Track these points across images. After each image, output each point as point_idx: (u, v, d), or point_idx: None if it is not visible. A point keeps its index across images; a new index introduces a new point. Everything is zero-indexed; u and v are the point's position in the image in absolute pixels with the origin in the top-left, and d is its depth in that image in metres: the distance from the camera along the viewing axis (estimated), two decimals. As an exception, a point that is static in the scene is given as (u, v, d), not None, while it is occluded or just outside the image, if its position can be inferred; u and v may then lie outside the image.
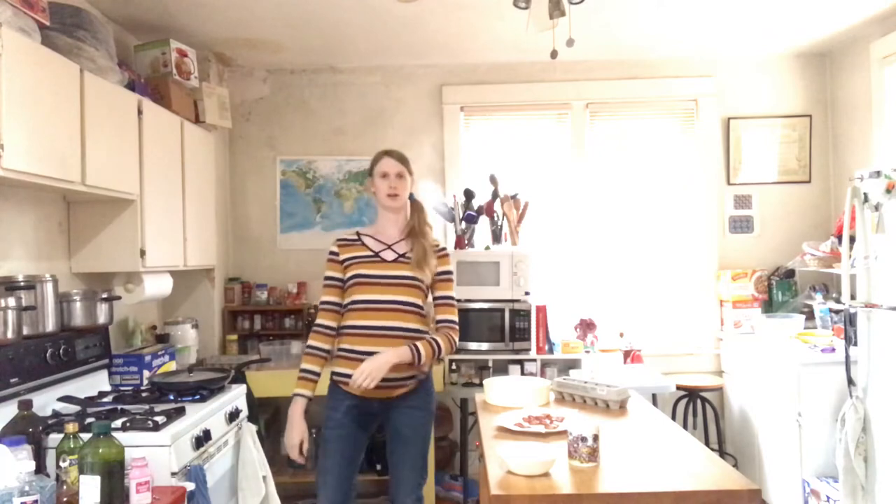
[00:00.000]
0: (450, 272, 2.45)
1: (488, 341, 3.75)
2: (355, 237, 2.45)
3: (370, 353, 2.24)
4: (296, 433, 2.34)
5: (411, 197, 2.49)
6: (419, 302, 2.36)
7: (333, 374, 2.38)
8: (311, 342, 2.38)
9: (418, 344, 2.28)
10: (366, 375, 2.19)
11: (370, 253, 2.38)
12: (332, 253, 2.43)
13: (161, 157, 3.04)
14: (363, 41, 3.84)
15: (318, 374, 2.37)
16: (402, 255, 2.38)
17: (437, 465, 3.75)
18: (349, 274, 2.36)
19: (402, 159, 2.45)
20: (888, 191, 2.73)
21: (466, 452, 3.87)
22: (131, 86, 2.92)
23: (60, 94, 2.26)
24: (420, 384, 2.40)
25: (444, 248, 2.47)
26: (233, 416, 2.67)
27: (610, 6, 3.36)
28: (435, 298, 2.43)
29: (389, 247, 2.41)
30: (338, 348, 2.37)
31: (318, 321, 2.39)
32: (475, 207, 4.00)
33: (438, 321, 2.43)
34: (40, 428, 2.01)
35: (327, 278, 2.41)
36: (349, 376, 2.25)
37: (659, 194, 4.31)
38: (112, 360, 2.82)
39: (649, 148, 4.32)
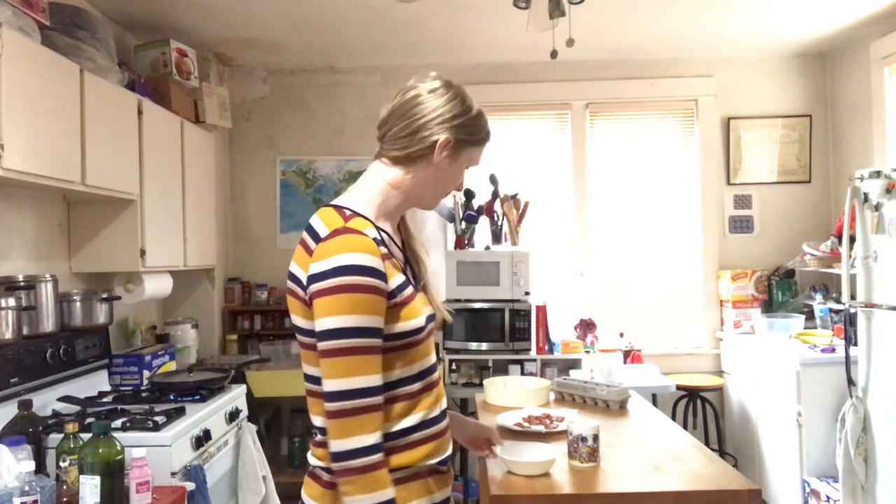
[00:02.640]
0: None
1: (488, 341, 3.75)
2: (378, 236, 1.23)
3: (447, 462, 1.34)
4: None
5: None
6: None
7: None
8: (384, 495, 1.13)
9: None
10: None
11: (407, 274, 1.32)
12: (370, 272, 1.15)
13: (161, 157, 3.04)
14: (363, 41, 3.84)
15: None
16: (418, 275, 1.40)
17: (437, 465, 3.74)
18: (416, 321, 1.23)
19: None
20: (888, 191, 2.73)
21: (467, 452, 3.87)
22: (131, 86, 2.92)
23: (60, 94, 2.26)
24: None
25: None
26: (233, 415, 2.67)
27: (610, 6, 3.36)
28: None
29: (407, 259, 1.37)
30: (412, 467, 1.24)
31: (376, 439, 1.14)
32: (475, 207, 4.00)
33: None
34: (40, 428, 2.01)
35: (371, 332, 1.15)
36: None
37: (659, 194, 4.31)
38: (112, 360, 2.83)
39: (649, 148, 4.32)
